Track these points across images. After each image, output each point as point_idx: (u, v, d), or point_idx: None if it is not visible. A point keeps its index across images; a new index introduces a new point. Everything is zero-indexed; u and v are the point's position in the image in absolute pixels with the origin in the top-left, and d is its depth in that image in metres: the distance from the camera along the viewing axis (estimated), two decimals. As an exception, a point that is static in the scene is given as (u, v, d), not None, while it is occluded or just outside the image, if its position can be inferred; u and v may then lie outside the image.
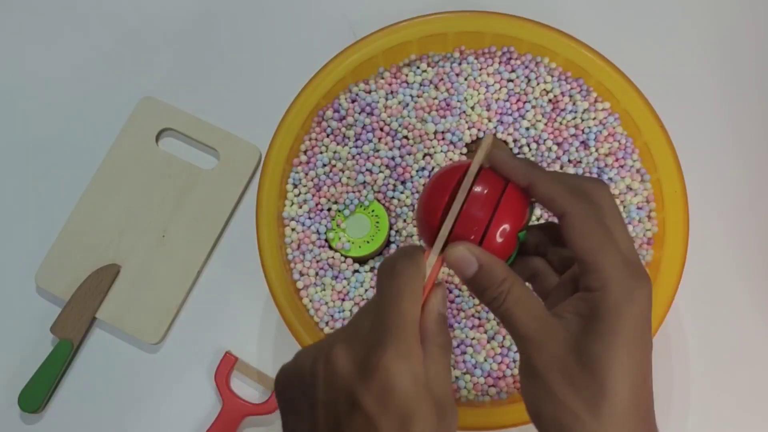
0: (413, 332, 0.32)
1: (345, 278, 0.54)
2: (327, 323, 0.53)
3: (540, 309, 0.33)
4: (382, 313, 0.32)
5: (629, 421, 0.31)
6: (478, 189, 0.35)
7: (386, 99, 0.57)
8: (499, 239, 0.34)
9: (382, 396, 0.30)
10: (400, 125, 0.56)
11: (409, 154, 0.56)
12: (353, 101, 0.56)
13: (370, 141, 0.56)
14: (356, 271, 0.54)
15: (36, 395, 0.56)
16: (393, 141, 0.56)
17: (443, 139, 0.56)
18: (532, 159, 0.56)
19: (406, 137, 0.56)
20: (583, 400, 0.31)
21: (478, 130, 0.56)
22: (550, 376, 0.31)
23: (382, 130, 0.56)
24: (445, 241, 0.34)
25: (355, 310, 0.53)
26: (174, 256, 0.59)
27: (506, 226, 0.34)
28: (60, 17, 0.66)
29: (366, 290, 0.54)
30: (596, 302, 0.31)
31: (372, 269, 0.55)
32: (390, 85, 0.57)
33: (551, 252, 0.38)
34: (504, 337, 0.53)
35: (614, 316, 0.31)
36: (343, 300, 0.54)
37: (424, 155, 0.56)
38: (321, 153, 0.56)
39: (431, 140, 0.56)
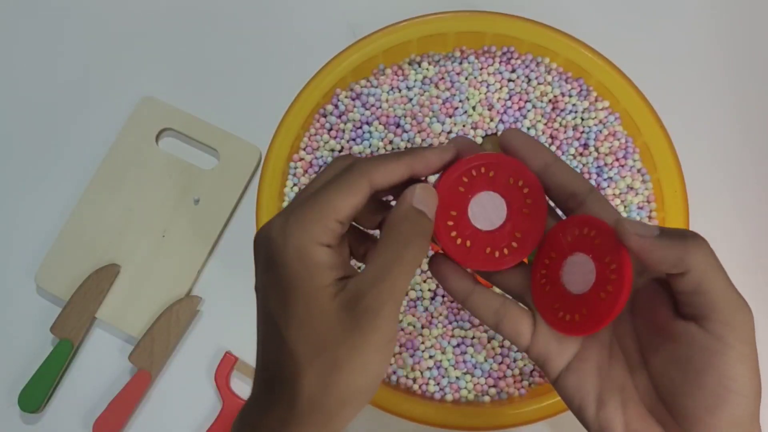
0: (326, 211, 0.30)
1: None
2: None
3: None
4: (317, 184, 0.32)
5: None
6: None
7: (388, 94, 0.57)
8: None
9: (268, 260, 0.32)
10: (403, 115, 0.56)
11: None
12: (354, 98, 0.56)
13: (371, 135, 0.56)
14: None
15: (36, 395, 0.56)
16: (395, 135, 0.56)
17: (447, 139, 0.56)
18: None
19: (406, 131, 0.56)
20: None
21: (482, 129, 0.56)
22: None
23: (381, 123, 0.56)
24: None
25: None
26: (174, 256, 0.59)
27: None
28: (60, 17, 0.66)
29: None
30: None
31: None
32: (392, 81, 0.57)
33: None
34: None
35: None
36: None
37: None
38: (320, 150, 0.56)
39: (437, 138, 0.56)
